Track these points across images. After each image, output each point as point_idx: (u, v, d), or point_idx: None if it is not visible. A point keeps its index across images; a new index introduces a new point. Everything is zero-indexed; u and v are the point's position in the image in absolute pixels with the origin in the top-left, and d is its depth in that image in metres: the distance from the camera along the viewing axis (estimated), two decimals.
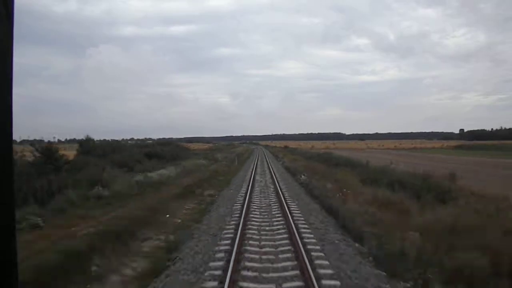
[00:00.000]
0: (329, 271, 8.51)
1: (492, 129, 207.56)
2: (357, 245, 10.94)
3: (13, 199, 1.31)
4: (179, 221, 14.53)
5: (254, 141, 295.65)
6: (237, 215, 14.69)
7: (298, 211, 15.71)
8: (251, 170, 37.21)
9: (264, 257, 9.63)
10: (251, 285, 7.86)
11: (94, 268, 8.93)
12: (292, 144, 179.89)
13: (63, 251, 9.19)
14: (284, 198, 18.54)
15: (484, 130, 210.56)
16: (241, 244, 10.40)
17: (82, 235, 10.74)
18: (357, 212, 13.90)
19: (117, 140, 63.37)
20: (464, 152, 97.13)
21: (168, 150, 53.82)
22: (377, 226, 11.84)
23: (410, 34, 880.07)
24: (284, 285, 7.80)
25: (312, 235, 11.66)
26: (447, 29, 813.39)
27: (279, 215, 14.83)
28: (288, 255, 9.76)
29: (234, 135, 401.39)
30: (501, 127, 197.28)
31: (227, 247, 10.35)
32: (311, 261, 9.03)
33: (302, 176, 28.62)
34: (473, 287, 7.44)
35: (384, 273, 8.63)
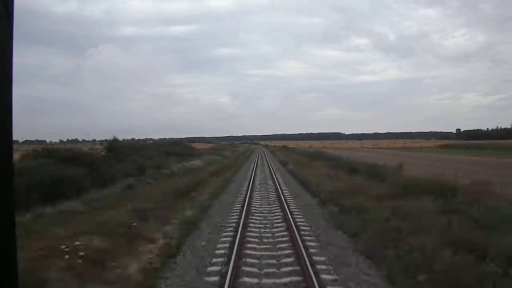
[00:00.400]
0: (287, 192, 21.09)
1: (488, 128, 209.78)
2: (305, 188, 23.34)
3: (13, 199, 1.29)
4: (216, 185, 26.15)
5: (254, 141, 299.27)
6: (246, 188, 23.44)
7: (281, 179, 28.74)
8: (253, 163, 50.24)
9: (264, 187, 23.39)
10: (258, 192, 20.98)
11: (192, 193, 20.52)
12: (291, 143, 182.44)
13: (168, 191, 19.49)
14: (275, 175, 31.51)
15: (480, 130, 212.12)
16: (253, 189, 22.72)
17: (173, 187, 21.37)
18: (311, 180, 25.32)
19: (137, 140, 73.58)
20: (448, 151, 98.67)
21: (180, 149, 60.47)
22: (319, 184, 22.63)
23: (410, 34, 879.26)
24: (271, 195, 19.85)
25: (285, 185, 24.70)
26: (447, 29, 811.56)
27: (271, 182, 26.94)
28: (273, 187, 22.91)
29: (234, 135, 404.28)
30: (497, 127, 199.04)
31: (245, 188, 22.87)
32: (282, 191, 21.08)
33: (289, 165, 43.11)
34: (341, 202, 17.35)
35: (311, 196, 20.16)
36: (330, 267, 8.75)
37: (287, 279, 8.11)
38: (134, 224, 11.89)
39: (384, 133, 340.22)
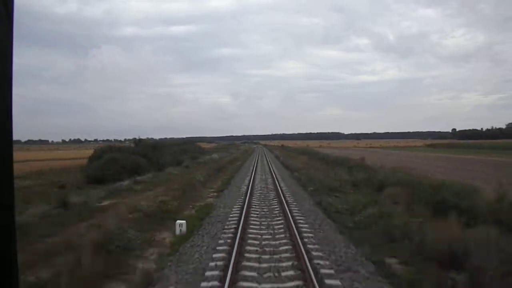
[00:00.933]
0: (275, 169, 37.42)
1: (482, 129, 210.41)
2: (290, 172, 36.58)
3: (13, 199, 1.27)
4: (234, 167, 43.79)
5: (254, 141, 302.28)
6: (253, 166, 41.59)
7: (274, 165, 45.39)
8: (256, 157, 66.16)
9: (262, 169, 38.92)
10: (260, 170, 36.81)
11: (223, 170, 36.46)
12: (290, 143, 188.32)
13: (210, 169, 33.89)
14: (270, 163, 47.37)
15: (475, 130, 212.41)
16: (256, 169, 38.26)
17: (208, 168, 35.52)
18: (292, 164, 41.60)
19: (157, 140, 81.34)
20: (430, 150, 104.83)
21: (193, 148, 71.90)
22: (294, 166, 38.47)
23: (410, 34, 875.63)
24: (266, 170, 36.12)
25: (276, 169, 39.01)
26: (447, 29, 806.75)
27: (267, 166, 43.06)
28: (268, 168, 38.77)
29: (234, 135, 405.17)
30: (492, 127, 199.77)
31: (252, 168, 38.05)
32: (272, 169, 37.16)
33: (281, 158, 58.78)
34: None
35: (288, 171, 35.49)
36: (289, 191, 22.87)
37: (272, 189, 22.25)
38: (203, 180, 25.95)
39: (383, 133, 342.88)
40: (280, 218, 14.23)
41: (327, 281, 7.61)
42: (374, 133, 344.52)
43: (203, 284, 7.65)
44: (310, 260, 8.78)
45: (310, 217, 14.54)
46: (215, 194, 21.37)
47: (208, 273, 8.27)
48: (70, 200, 16.02)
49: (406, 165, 30.11)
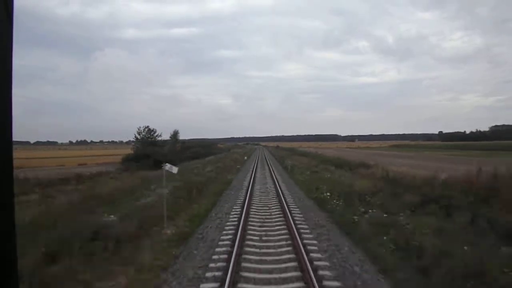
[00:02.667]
0: (270, 160, 47.92)
1: (464, 131, 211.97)
2: (277, 161, 48.15)
3: (13, 199, 1.17)
4: (245, 157, 55.25)
5: (255, 142, 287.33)
6: (257, 156, 58.09)
7: (271, 161, 48.96)
8: (258, 152, 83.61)
9: (263, 160, 48.76)
10: (260, 160, 47.76)
11: (243, 158, 52.91)
12: (287, 144, 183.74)
13: (235, 157, 53.45)
14: (267, 158, 54.70)
15: (459, 132, 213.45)
16: (258, 159, 50.16)
17: (234, 157, 54.72)
18: (278, 154, 59.81)
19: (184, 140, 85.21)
20: (391, 149, 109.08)
21: (214, 147, 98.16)
22: (285, 159, 46.72)
23: (409, 37, 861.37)
24: (265, 161, 46.14)
25: (272, 163, 43.42)
26: (445, 32, 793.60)
27: (265, 160, 48.67)
28: (266, 160, 47.36)
29: (235, 136, 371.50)
30: (477, 129, 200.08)
31: (257, 158, 52.68)
32: (268, 161, 45.39)
33: (273, 152, 74.86)
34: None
35: (280, 163, 43.04)
36: (279, 175, 27.90)
37: (267, 171, 30.46)
38: (237, 158, 48.01)
39: (379, 135, 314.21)
40: (266, 166, 37.39)
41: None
42: (370, 135, 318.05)
43: (247, 180, 23.11)
44: (276, 170, 31.36)
45: (275, 163, 44.86)
46: (245, 158, 54.99)
47: (245, 182, 22.22)
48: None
49: (344, 155, 46.93)
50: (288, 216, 10.81)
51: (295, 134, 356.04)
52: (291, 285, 6.08)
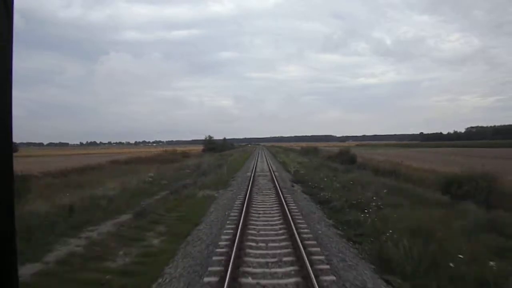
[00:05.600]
0: (267, 154, 55.03)
1: (441, 132, 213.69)
2: (272, 155, 51.93)
3: (13, 199, 1.08)
4: (254, 149, 73.70)
5: (256, 143, 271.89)
6: (259, 152, 64.90)
7: (267, 155, 55.53)
8: (259, 149, 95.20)
9: (263, 154, 55.76)
10: (260, 154, 57.57)
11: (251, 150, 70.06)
12: (285, 144, 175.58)
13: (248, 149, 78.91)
14: (265, 153, 61.51)
15: (437, 133, 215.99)
16: (259, 153, 58.43)
17: (247, 149, 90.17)
18: (277, 154, 56.89)
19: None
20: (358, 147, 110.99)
21: (232, 145, 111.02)
22: (279, 155, 54.76)
23: (406, 39, 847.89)
24: (263, 155, 54.27)
25: (267, 154, 54.36)
26: (442, 34, 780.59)
27: (263, 154, 56.58)
28: (263, 157, 48.94)
29: (236, 137, 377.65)
30: (454, 131, 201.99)
31: (259, 152, 64.82)
32: (266, 155, 50.30)
33: (269, 148, 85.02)
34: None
35: (274, 158, 48.38)
36: (274, 165, 32.53)
37: (264, 163, 34.43)
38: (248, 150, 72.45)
39: (371, 136, 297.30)
40: (263, 155, 50.84)
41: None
42: (364, 136, 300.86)
43: (256, 152, 64.90)
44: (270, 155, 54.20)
45: (268, 153, 65.28)
46: (254, 150, 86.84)
47: (256, 152, 70.50)
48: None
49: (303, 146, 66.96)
50: (269, 162, 31.94)
51: (292, 135, 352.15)
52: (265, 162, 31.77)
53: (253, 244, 6.60)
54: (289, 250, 5.91)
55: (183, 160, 37.46)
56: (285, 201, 10.74)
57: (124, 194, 12.11)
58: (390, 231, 6.23)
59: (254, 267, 5.43)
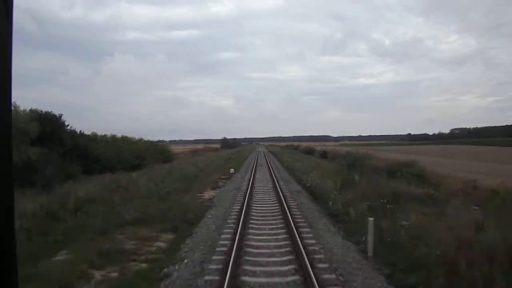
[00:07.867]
0: (266, 152, 64.20)
1: (426, 133, 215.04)
2: (271, 153, 59.11)
3: (13, 199, 1.00)
4: (255, 147, 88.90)
5: (256, 142, 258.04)
6: (260, 149, 73.21)
7: (266, 152, 62.63)
8: (259, 148, 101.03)
9: (263, 151, 69.03)
10: (261, 151, 71.64)
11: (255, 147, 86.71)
12: (282, 144, 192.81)
13: (253, 147, 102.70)
14: (263, 151, 68.38)
15: (424, 134, 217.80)
16: (260, 148, 77.76)
17: (251, 146, 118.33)
18: (275, 152, 62.23)
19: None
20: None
21: (239, 144, 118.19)
22: (277, 153, 59.50)
23: (405, 40, 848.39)
24: (263, 152, 69.82)
25: (266, 152, 60.45)
26: (440, 36, 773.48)
27: (261, 151, 63.88)
28: (263, 152, 59.15)
29: (236, 137, 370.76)
30: (439, 131, 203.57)
31: (260, 149, 75.77)
32: (265, 153, 57.38)
33: (267, 146, 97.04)
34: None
35: (273, 155, 53.98)
36: (271, 158, 42.04)
37: (263, 148, 68.20)
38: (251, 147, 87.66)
39: (366, 136, 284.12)
40: (261, 151, 60.46)
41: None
42: (359, 136, 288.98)
43: (257, 149, 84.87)
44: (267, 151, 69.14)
45: (266, 150, 74.67)
46: (256, 147, 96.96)
47: (257, 149, 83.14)
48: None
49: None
50: (266, 154, 46.57)
51: (291, 135, 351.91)
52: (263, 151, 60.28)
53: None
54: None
55: (219, 151, 57.19)
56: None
57: (220, 161, 33.41)
58: None
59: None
